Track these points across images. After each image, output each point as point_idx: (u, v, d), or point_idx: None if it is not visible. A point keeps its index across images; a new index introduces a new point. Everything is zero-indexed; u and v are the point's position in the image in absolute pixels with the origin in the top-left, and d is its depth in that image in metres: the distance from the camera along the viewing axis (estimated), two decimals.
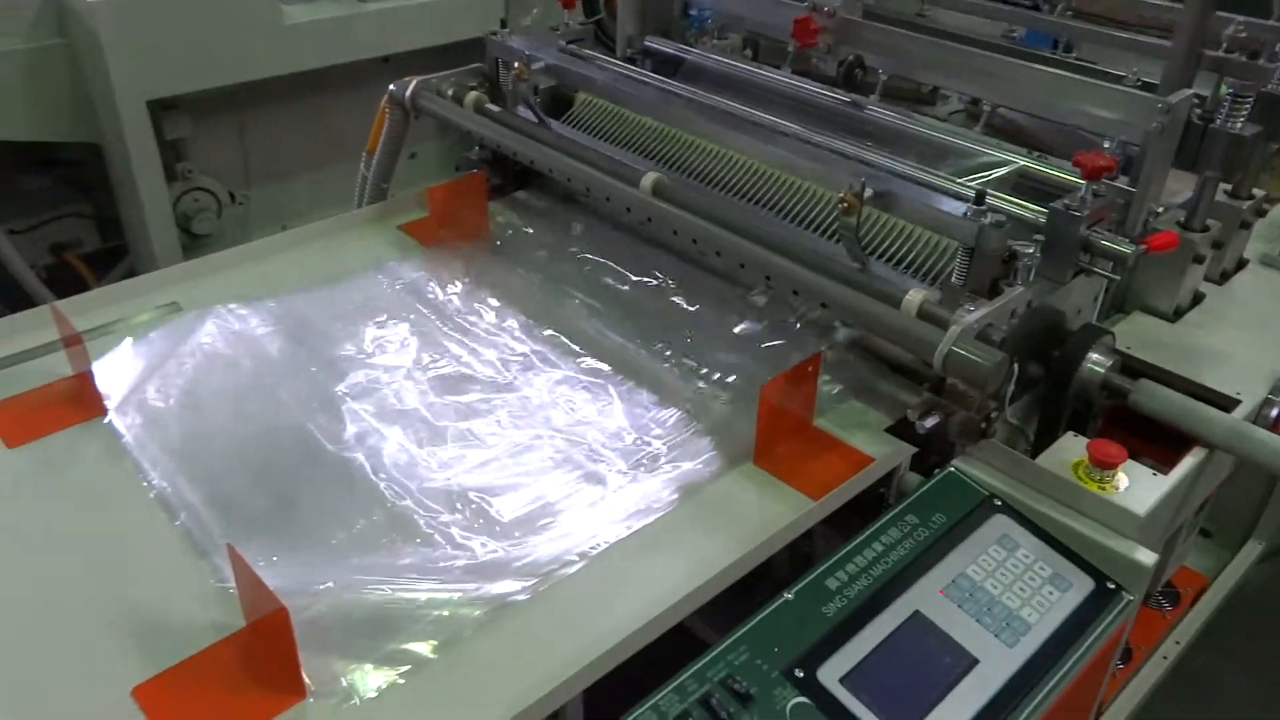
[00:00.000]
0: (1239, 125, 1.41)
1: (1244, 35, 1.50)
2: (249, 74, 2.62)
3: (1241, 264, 1.73)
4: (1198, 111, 1.41)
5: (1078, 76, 1.46)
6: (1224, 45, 1.49)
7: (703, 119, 1.69)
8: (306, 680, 0.95)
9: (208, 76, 2.55)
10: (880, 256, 1.43)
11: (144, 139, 2.49)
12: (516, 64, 1.73)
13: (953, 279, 1.29)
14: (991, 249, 1.24)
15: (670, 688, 0.98)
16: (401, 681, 0.96)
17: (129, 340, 1.44)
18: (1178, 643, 1.87)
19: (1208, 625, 2.02)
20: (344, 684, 0.95)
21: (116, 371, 1.38)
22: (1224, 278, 1.70)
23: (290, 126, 2.92)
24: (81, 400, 1.33)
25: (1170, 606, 1.91)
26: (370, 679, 0.96)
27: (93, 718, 0.93)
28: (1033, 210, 1.35)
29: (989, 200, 1.29)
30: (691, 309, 1.56)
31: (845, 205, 1.28)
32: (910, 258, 1.42)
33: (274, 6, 2.57)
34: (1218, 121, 1.41)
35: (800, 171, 1.55)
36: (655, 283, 1.63)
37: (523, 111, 1.80)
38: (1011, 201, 1.38)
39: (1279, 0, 2.00)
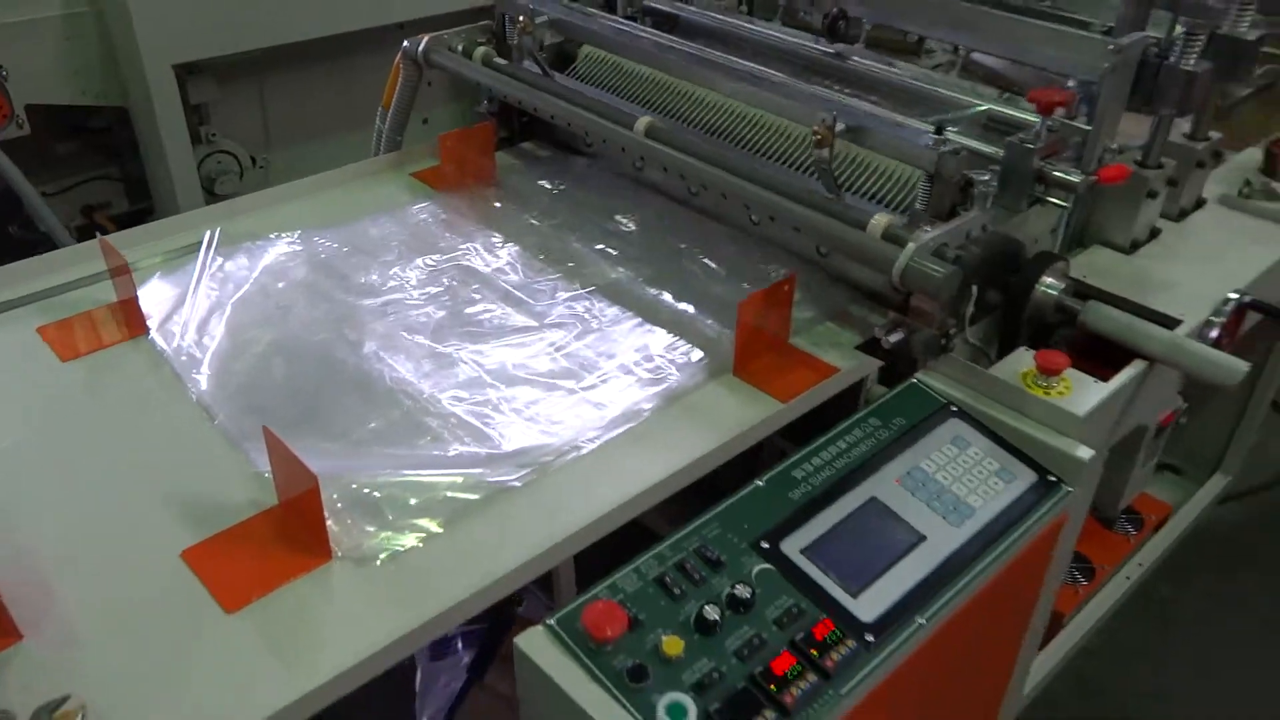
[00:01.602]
0: (1192, 63, 1.48)
1: None
2: (271, 39, 2.75)
3: (1200, 204, 1.84)
4: (1154, 51, 1.50)
5: (1040, 23, 1.57)
6: None
7: (695, 67, 1.81)
8: (332, 545, 1.09)
9: (231, 41, 2.69)
10: (854, 192, 1.56)
11: (170, 103, 2.63)
12: (522, 18, 1.85)
13: (917, 204, 1.40)
14: (949, 174, 1.36)
15: (649, 554, 1.11)
16: (419, 546, 1.10)
17: (164, 271, 1.59)
18: (1140, 564, 1.99)
19: (1174, 557, 2.13)
20: (365, 547, 1.09)
21: (154, 299, 1.52)
22: (1182, 216, 1.80)
23: (310, 92, 3.06)
24: (126, 322, 1.47)
25: (1135, 531, 2.03)
26: (388, 544, 1.10)
27: (149, 575, 1.07)
28: (993, 146, 1.47)
29: (947, 132, 1.40)
30: (682, 246, 1.69)
31: (819, 137, 1.39)
32: (881, 192, 1.55)
33: None
34: (1172, 59, 1.49)
35: (783, 111, 1.68)
36: (650, 224, 1.76)
37: (528, 65, 1.92)
38: (973, 138, 1.49)
39: None
